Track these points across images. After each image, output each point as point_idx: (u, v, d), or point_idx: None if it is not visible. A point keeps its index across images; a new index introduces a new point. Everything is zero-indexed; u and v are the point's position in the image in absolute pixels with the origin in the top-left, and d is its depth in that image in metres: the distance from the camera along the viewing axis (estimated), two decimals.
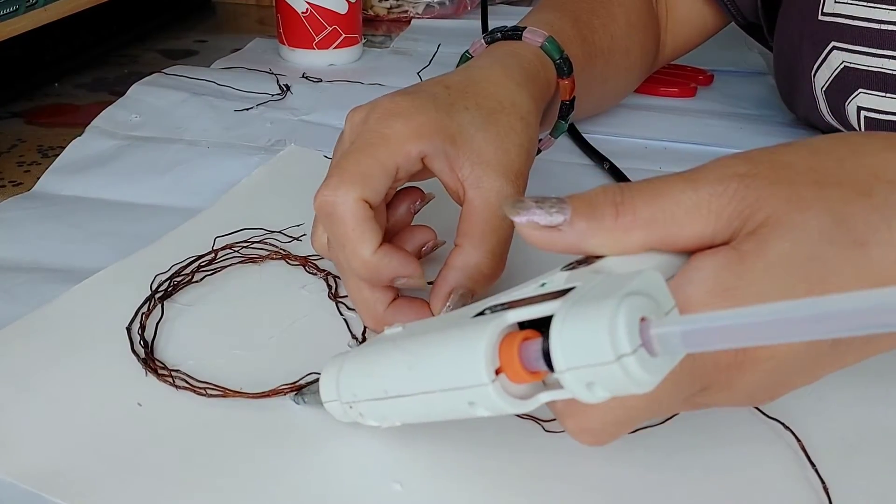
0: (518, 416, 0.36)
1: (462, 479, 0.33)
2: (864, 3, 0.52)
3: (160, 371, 0.38)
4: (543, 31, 0.49)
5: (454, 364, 0.27)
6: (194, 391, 0.37)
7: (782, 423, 0.36)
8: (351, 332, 0.42)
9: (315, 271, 0.46)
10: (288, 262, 0.47)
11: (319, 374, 0.34)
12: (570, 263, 0.30)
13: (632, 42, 0.62)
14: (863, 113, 0.55)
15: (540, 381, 0.27)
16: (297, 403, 0.36)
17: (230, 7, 1.06)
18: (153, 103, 0.69)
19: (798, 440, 0.35)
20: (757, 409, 0.36)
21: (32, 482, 0.32)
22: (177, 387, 0.37)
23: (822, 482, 0.33)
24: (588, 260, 0.29)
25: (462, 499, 0.32)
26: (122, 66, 0.82)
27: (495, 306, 0.28)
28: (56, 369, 0.38)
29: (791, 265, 0.26)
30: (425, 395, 0.29)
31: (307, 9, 0.79)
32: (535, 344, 0.26)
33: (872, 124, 0.55)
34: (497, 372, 0.27)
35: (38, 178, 0.56)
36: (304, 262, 0.47)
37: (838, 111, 0.57)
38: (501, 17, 0.85)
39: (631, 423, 0.29)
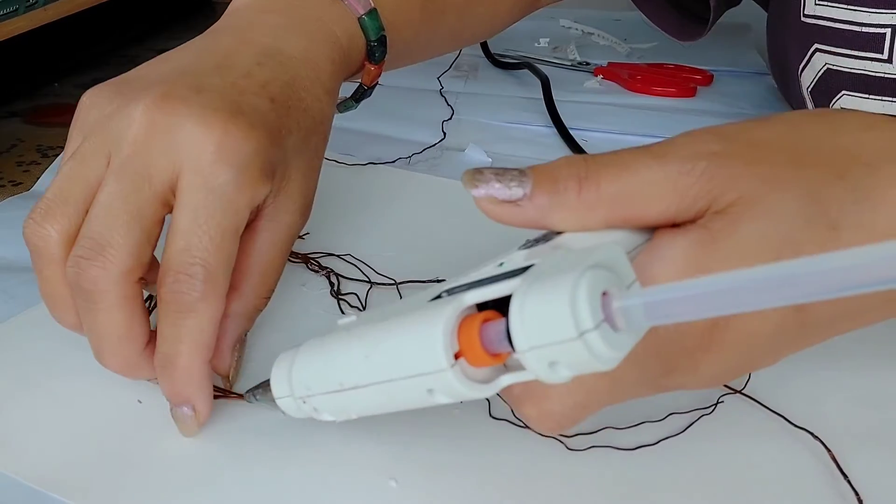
0: (516, 420, 0.36)
1: (457, 477, 0.33)
2: (845, 6, 0.52)
3: None
4: None
5: (411, 351, 0.26)
6: None
7: (811, 433, 0.35)
8: None
9: (317, 269, 0.46)
10: (289, 260, 0.47)
11: None
12: (529, 241, 0.29)
13: None
14: None
15: (501, 364, 0.26)
16: (250, 402, 0.35)
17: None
18: None
19: (828, 450, 0.34)
20: (783, 416, 0.35)
21: (33, 478, 0.32)
22: None
23: (857, 494, 0.32)
24: (548, 237, 0.28)
25: (457, 496, 0.32)
26: (122, 66, 0.82)
27: (452, 289, 0.27)
28: (57, 366, 0.38)
29: (764, 245, 0.26)
30: (382, 385, 0.28)
31: None
32: (497, 325, 0.25)
33: None
34: (457, 356, 0.25)
35: (38, 178, 0.56)
36: (306, 259, 0.47)
37: None
38: None
39: (593, 407, 0.28)
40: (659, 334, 0.26)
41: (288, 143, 0.36)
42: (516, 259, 0.27)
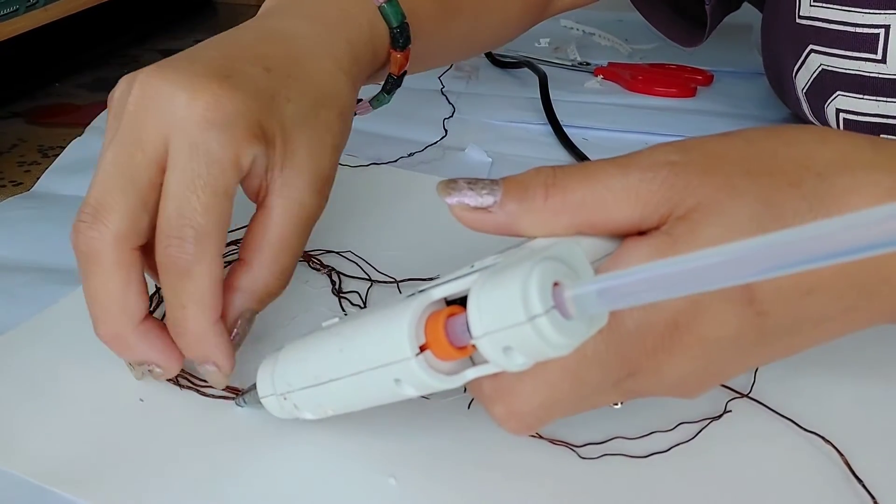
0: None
1: (456, 474, 0.33)
2: (839, 7, 0.52)
3: None
4: None
5: (380, 341, 0.28)
6: (196, 390, 0.37)
7: (822, 437, 0.34)
8: None
9: (318, 267, 0.46)
10: None
11: None
12: (505, 248, 0.30)
13: None
14: (842, 115, 0.55)
15: (468, 357, 0.27)
16: (239, 405, 0.36)
17: (230, 7, 1.05)
18: None
19: (840, 453, 0.34)
20: (792, 420, 0.35)
21: (39, 476, 0.33)
22: (181, 386, 0.37)
23: (872, 497, 0.32)
24: (522, 244, 0.29)
25: (456, 493, 0.32)
26: (122, 66, 0.82)
27: (425, 289, 0.28)
28: (61, 368, 0.38)
29: None
30: (354, 377, 0.29)
31: None
32: (460, 318, 0.26)
33: (851, 126, 0.55)
34: (423, 349, 0.27)
35: (38, 178, 0.56)
36: (307, 257, 0.47)
37: (819, 112, 0.57)
38: None
39: (561, 408, 0.28)
40: (620, 332, 0.27)
41: (287, 110, 0.36)
42: (486, 261, 0.28)
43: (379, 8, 0.43)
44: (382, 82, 0.47)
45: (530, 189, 0.28)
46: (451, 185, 0.29)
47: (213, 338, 0.34)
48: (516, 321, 0.24)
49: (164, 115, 0.33)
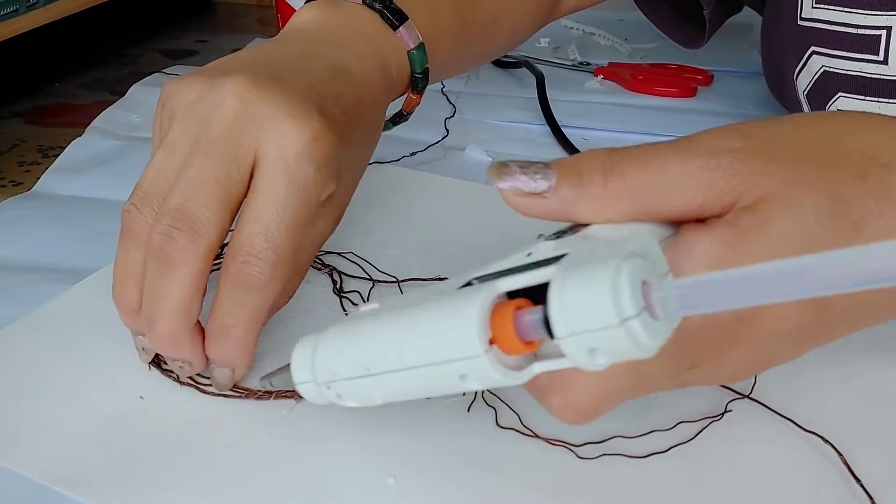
0: (523, 429, 0.36)
1: (455, 474, 0.33)
2: (841, 8, 0.52)
3: (164, 366, 0.38)
4: (419, 27, 0.45)
5: (445, 336, 0.26)
6: (196, 387, 0.37)
7: (821, 437, 0.34)
8: None
9: (320, 266, 0.46)
10: None
11: None
12: (555, 233, 0.29)
13: (523, 7, 0.58)
14: None
15: (532, 352, 0.26)
16: (264, 387, 0.35)
17: (230, 7, 1.05)
18: (153, 103, 0.69)
19: (839, 453, 0.34)
20: (791, 420, 0.35)
21: (38, 473, 0.33)
22: (181, 383, 0.37)
23: (869, 496, 0.32)
24: (574, 228, 0.28)
25: (455, 492, 0.32)
26: (122, 66, 0.82)
27: (481, 277, 0.27)
28: (61, 364, 0.38)
29: (789, 243, 0.26)
30: (413, 371, 0.27)
31: None
32: (531, 312, 0.25)
33: None
34: (490, 343, 0.25)
35: (39, 178, 0.56)
36: None
37: None
38: None
39: (618, 399, 0.28)
40: (688, 327, 0.26)
41: (350, 153, 0.38)
42: (544, 249, 0.27)
43: (408, 53, 0.45)
44: None
45: (586, 174, 0.28)
46: (502, 168, 0.28)
47: (249, 349, 0.36)
48: (608, 323, 0.23)
49: (263, 136, 0.34)
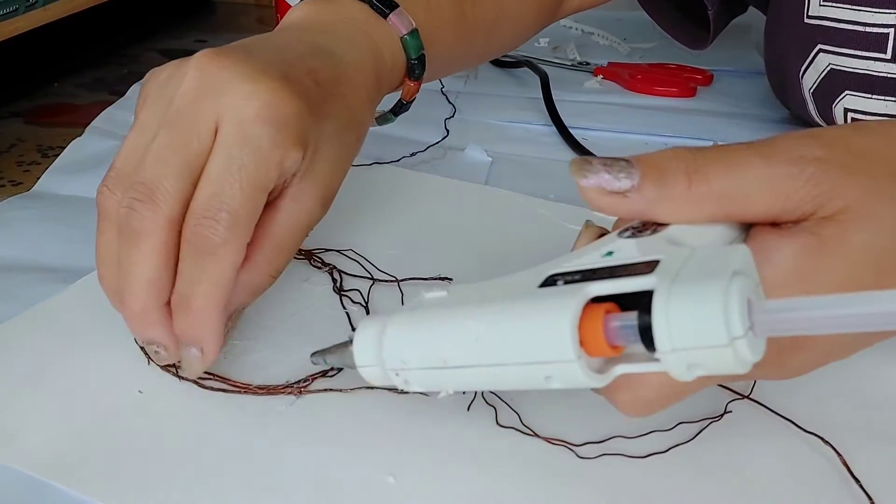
0: (523, 428, 0.36)
1: (455, 473, 0.33)
2: (849, 6, 0.52)
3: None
4: (417, 20, 0.45)
5: (536, 339, 0.26)
6: (195, 382, 0.37)
7: (821, 437, 0.34)
8: (352, 326, 0.41)
9: (320, 265, 0.46)
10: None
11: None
12: (627, 229, 0.29)
13: (525, 7, 0.58)
14: (850, 115, 0.55)
15: (615, 354, 0.26)
16: (316, 363, 0.34)
17: (230, 6, 1.05)
18: None
19: (838, 453, 0.34)
20: (791, 421, 0.35)
21: (37, 469, 0.33)
22: (180, 378, 0.37)
23: (868, 497, 0.32)
24: (647, 226, 0.28)
25: (455, 491, 0.32)
26: (122, 66, 0.82)
27: (566, 274, 0.27)
28: (60, 360, 0.38)
29: (868, 255, 0.27)
30: (496, 368, 0.27)
31: None
32: (622, 319, 0.25)
33: None
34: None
35: (38, 178, 0.56)
36: (309, 255, 0.47)
37: (826, 113, 0.57)
38: None
39: (684, 395, 0.29)
40: None
41: (324, 126, 0.37)
42: (626, 249, 0.27)
43: (401, 39, 0.45)
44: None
45: (669, 175, 0.28)
46: (585, 165, 0.28)
47: (213, 322, 0.35)
48: (717, 343, 0.23)
49: (220, 101, 0.34)
